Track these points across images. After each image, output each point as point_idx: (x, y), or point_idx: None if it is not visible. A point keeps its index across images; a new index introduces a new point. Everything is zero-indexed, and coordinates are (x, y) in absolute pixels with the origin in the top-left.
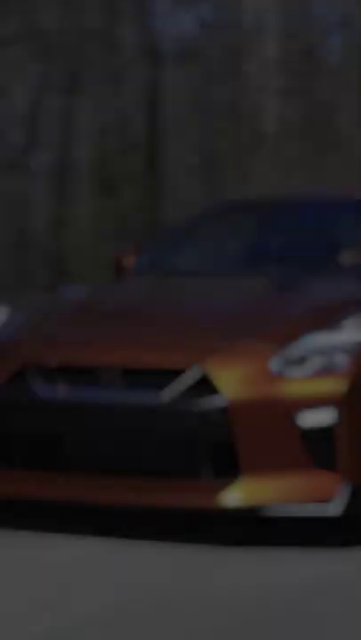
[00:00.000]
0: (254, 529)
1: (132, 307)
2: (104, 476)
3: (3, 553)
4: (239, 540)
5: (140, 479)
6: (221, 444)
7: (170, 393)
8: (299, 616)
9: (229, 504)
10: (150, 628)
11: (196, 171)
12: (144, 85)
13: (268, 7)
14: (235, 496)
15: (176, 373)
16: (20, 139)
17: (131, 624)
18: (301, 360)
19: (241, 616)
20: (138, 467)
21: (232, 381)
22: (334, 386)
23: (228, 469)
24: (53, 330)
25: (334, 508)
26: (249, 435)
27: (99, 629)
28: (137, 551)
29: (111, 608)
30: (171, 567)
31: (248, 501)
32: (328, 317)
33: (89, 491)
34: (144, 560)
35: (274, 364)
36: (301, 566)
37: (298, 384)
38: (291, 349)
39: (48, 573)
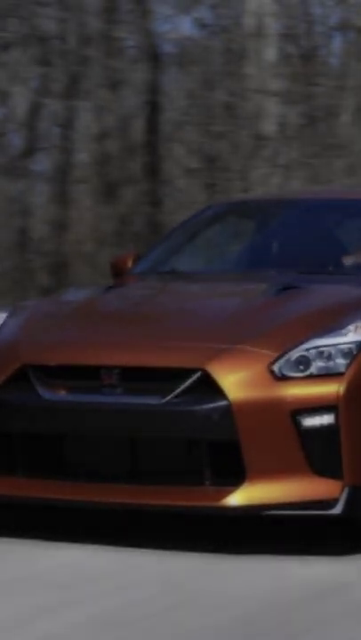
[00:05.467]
0: (255, 531)
1: (133, 309)
2: (105, 477)
3: (2, 557)
4: (240, 543)
5: (142, 481)
6: (223, 446)
7: (171, 395)
8: (299, 619)
9: (231, 505)
10: (151, 632)
11: (196, 174)
12: (144, 88)
13: (269, 10)
14: (237, 497)
15: (178, 375)
16: (21, 142)
17: (131, 628)
18: (302, 362)
19: (242, 618)
20: (140, 468)
21: (233, 383)
22: (335, 388)
23: (230, 471)
24: (54, 331)
25: (335, 510)
26: (250, 436)
27: (98, 633)
28: (139, 553)
29: (111, 611)
30: (172, 570)
31: (250, 502)
32: (329, 320)
33: (90, 492)
34: (146, 562)
35: (275, 367)
36: (302, 569)
37: (299, 386)
38: (292, 352)
39: (47, 577)
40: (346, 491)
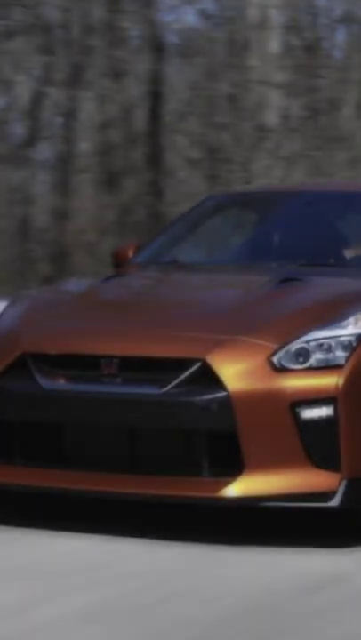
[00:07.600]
0: (253, 523)
1: (133, 299)
2: (103, 466)
3: (2, 545)
4: (237, 534)
5: (141, 470)
6: (222, 437)
7: (171, 385)
8: (296, 610)
9: (229, 496)
10: (149, 621)
11: (198, 165)
12: (147, 78)
13: (272, 2)
14: (234, 488)
15: (177, 365)
16: (23, 131)
17: (130, 617)
18: (302, 354)
19: (238, 609)
20: (138, 458)
21: (233, 374)
22: (334, 380)
23: (229, 462)
24: (54, 320)
25: (333, 502)
26: (249, 427)
27: (96, 621)
28: (137, 542)
29: (110, 600)
30: (170, 559)
31: (248, 494)
32: (329, 312)
33: (88, 482)
34: (144, 552)
35: (274, 358)
36: (299, 560)
37: (298, 378)
38: (291, 344)
39: (47, 565)
40: (344, 483)
